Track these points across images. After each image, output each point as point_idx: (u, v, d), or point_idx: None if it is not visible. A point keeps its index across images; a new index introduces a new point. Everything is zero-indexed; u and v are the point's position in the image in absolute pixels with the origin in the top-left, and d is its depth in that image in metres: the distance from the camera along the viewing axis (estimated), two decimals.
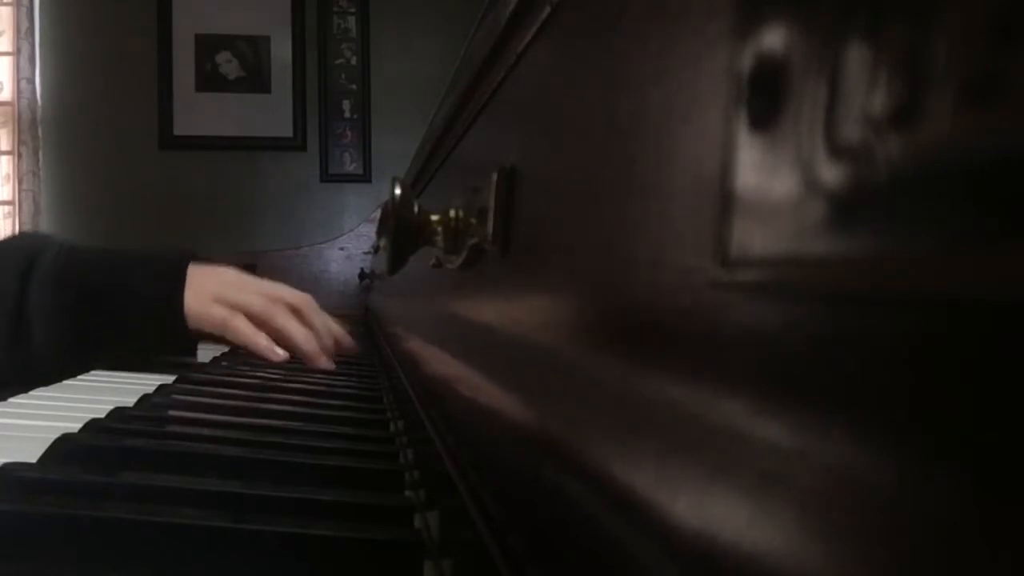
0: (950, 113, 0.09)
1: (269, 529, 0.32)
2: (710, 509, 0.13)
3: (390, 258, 0.44)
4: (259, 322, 0.82)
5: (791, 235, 0.13)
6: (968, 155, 0.09)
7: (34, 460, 0.39)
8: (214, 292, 0.79)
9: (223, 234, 2.54)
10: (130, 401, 0.56)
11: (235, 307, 0.80)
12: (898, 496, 0.10)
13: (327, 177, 2.72)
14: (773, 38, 0.14)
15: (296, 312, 0.84)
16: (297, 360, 0.84)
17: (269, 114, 2.71)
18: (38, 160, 2.62)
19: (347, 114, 2.74)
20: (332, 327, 0.89)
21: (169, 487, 0.37)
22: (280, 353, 0.82)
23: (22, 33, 2.60)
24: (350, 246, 2.22)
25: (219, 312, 0.79)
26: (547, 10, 0.32)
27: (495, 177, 0.36)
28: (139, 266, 0.77)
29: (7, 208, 2.63)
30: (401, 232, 0.42)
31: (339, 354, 0.88)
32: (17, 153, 2.61)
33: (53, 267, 0.74)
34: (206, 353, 0.88)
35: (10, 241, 0.80)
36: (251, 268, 1.12)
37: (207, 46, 2.71)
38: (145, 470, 0.39)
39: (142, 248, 0.81)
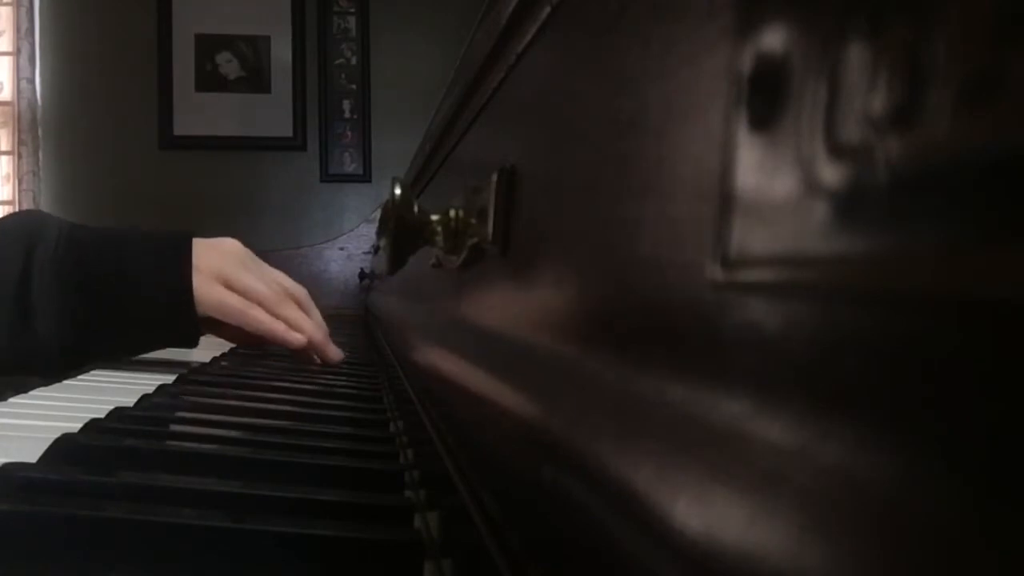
0: (950, 113, 0.09)
1: (269, 529, 0.32)
2: (710, 509, 0.13)
3: (390, 258, 0.44)
4: (267, 308, 0.82)
5: (791, 235, 0.13)
6: (968, 155, 0.09)
7: (34, 460, 0.39)
8: (219, 271, 0.78)
9: (223, 234, 2.53)
10: (130, 401, 0.56)
11: (245, 293, 0.80)
12: (898, 496, 0.10)
13: (327, 177, 2.72)
14: (773, 38, 0.14)
15: (296, 303, 0.85)
16: (293, 361, 0.85)
17: (269, 114, 2.71)
18: (38, 160, 2.62)
19: (347, 114, 2.74)
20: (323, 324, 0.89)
21: (169, 487, 0.37)
22: (299, 337, 0.82)
23: (22, 33, 2.60)
24: (350, 246, 2.22)
25: (235, 302, 0.78)
26: (547, 10, 0.32)
27: (495, 177, 0.36)
28: (142, 246, 0.76)
29: (7, 208, 2.62)
30: (401, 232, 0.42)
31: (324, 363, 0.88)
32: (17, 153, 2.61)
33: (55, 250, 0.72)
34: (205, 353, 0.88)
35: (7, 221, 0.78)
36: None
37: (207, 46, 2.71)
38: (145, 470, 0.39)
39: (143, 230, 0.80)
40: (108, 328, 0.74)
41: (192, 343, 0.79)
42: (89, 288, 0.72)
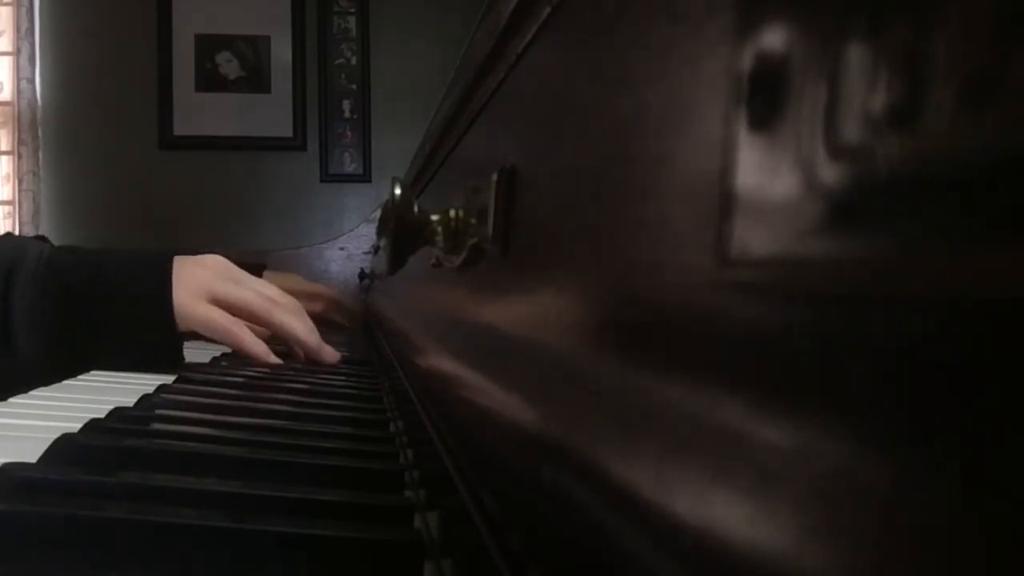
0: (950, 113, 0.09)
1: (269, 529, 0.32)
2: (710, 509, 0.13)
3: (390, 258, 0.44)
4: (258, 319, 0.82)
5: (791, 235, 0.13)
6: (968, 155, 0.09)
7: (34, 460, 0.39)
8: (205, 287, 0.78)
9: (223, 234, 2.54)
10: (130, 401, 0.56)
11: (234, 306, 0.79)
12: (898, 496, 0.10)
13: (327, 177, 2.72)
14: (773, 38, 0.14)
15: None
16: (293, 362, 0.85)
17: (269, 114, 2.71)
18: (38, 160, 2.62)
19: (347, 114, 2.74)
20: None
21: (169, 487, 0.37)
22: (276, 360, 0.82)
23: (22, 33, 2.60)
24: (350, 246, 2.22)
25: (221, 319, 0.78)
26: (547, 10, 0.32)
27: (495, 177, 0.36)
28: (122, 264, 0.76)
29: (7, 208, 2.63)
30: (401, 232, 0.42)
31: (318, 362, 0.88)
32: (17, 153, 2.61)
33: (35, 271, 0.72)
34: (205, 353, 0.88)
35: None
36: (260, 267, 1.12)
37: (207, 46, 2.71)
38: (145, 470, 0.39)
39: (124, 249, 0.80)
40: (88, 345, 0.74)
41: (174, 358, 0.78)
42: (68, 306, 0.73)
